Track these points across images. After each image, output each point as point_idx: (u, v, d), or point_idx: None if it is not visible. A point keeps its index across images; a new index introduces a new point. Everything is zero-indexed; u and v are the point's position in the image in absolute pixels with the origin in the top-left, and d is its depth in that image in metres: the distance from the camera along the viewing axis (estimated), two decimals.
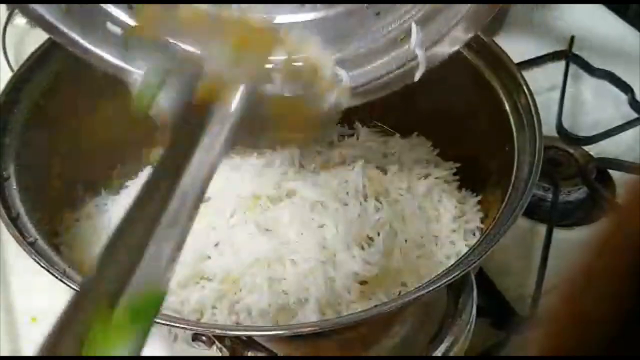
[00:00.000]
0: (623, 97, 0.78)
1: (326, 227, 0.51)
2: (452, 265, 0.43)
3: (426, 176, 0.57)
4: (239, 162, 0.56)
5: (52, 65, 0.53)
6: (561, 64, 0.80)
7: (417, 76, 0.46)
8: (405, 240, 0.51)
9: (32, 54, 0.53)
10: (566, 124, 0.72)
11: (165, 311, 0.47)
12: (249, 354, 0.40)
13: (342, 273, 0.49)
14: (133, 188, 0.57)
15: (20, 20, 0.84)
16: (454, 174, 0.58)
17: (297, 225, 0.51)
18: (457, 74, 0.57)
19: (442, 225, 0.53)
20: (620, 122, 0.73)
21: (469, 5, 0.44)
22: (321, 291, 0.47)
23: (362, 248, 0.51)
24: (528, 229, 0.64)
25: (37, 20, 0.44)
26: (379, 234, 0.51)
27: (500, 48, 0.54)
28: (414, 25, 0.45)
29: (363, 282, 0.49)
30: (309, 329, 0.40)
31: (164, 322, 0.39)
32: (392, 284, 0.50)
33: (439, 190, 0.55)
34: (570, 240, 0.62)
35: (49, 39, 0.54)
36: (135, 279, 0.31)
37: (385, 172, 0.57)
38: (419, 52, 0.45)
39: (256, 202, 0.53)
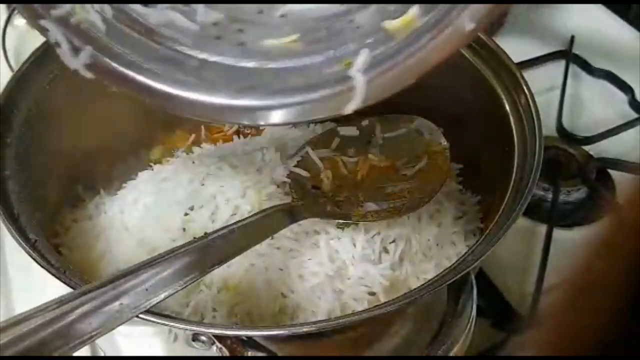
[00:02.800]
0: (623, 97, 0.78)
1: (341, 240, 0.51)
2: (452, 266, 0.43)
3: None
4: (235, 163, 0.56)
5: (52, 65, 0.53)
6: (561, 64, 0.80)
7: (350, 108, 0.38)
8: (416, 252, 0.51)
9: (32, 54, 0.53)
10: (566, 124, 0.73)
11: (165, 312, 0.47)
12: (249, 354, 0.40)
13: (351, 286, 0.49)
14: (130, 189, 0.57)
15: (20, 21, 0.84)
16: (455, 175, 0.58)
17: (303, 236, 0.51)
18: (457, 74, 0.57)
19: (444, 226, 0.53)
20: (620, 122, 0.73)
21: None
22: (330, 304, 0.47)
23: (376, 262, 0.50)
24: (528, 229, 0.64)
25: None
26: (395, 247, 0.51)
27: (500, 48, 0.54)
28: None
29: (371, 293, 0.49)
30: (309, 328, 0.40)
31: (164, 322, 0.39)
32: (400, 292, 0.50)
33: (441, 192, 0.55)
34: (570, 240, 0.62)
35: None
36: None
37: None
38: (359, 77, 0.37)
39: (254, 207, 0.52)
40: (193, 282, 0.40)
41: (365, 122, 0.58)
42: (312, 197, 0.53)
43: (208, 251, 0.42)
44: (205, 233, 0.43)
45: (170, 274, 0.39)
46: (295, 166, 0.55)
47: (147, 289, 0.38)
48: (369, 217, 0.51)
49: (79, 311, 0.36)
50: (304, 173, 0.54)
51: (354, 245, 0.50)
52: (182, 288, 0.40)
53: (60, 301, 0.36)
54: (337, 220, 0.52)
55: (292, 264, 0.49)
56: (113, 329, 0.37)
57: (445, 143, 0.55)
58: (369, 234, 0.51)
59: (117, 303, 0.37)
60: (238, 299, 0.48)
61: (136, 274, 0.38)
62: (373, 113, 0.60)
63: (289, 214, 0.48)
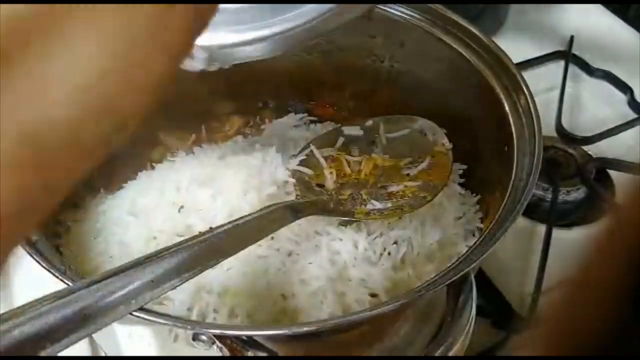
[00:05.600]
0: (622, 97, 0.78)
1: (343, 241, 0.51)
2: (451, 265, 0.43)
3: None
4: (236, 163, 0.56)
5: None
6: (561, 64, 0.80)
7: None
8: (417, 254, 0.51)
9: None
10: (565, 124, 0.73)
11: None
12: (249, 354, 0.40)
13: (353, 288, 0.49)
14: (129, 189, 0.57)
15: None
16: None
17: (303, 238, 0.51)
18: (457, 74, 0.57)
19: (445, 228, 0.53)
20: (619, 122, 0.73)
21: None
22: (332, 307, 0.47)
23: (378, 264, 0.50)
24: (527, 229, 0.64)
25: None
26: (397, 249, 0.51)
27: (500, 48, 0.54)
28: None
29: (373, 295, 0.49)
30: (310, 328, 0.40)
31: (164, 322, 0.39)
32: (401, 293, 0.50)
33: (441, 193, 0.55)
34: (570, 240, 0.62)
35: None
36: None
37: None
38: None
39: (255, 208, 0.52)
40: (198, 274, 0.41)
41: (369, 123, 0.59)
42: (316, 195, 0.53)
43: (213, 245, 0.42)
44: (211, 228, 0.44)
45: (176, 266, 0.40)
46: (299, 164, 0.55)
47: (152, 281, 0.38)
48: (371, 216, 0.52)
49: (84, 301, 0.36)
50: (308, 171, 0.55)
51: (356, 247, 0.50)
52: (187, 280, 0.40)
53: (69, 291, 0.36)
54: (339, 220, 0.52)
55: (293, 268, 0.49)
56: (117, 319, 0.37)
57: (449, 144, 0.56)
58: (371, 235, 0.51)
59: (122, 294, 0.37)
60: (238, 301, 0.48)
61: (142, 266, 0.39)
62: (377, 113, 0.60)
63: (292, 211, 0.49)
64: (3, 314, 0.34)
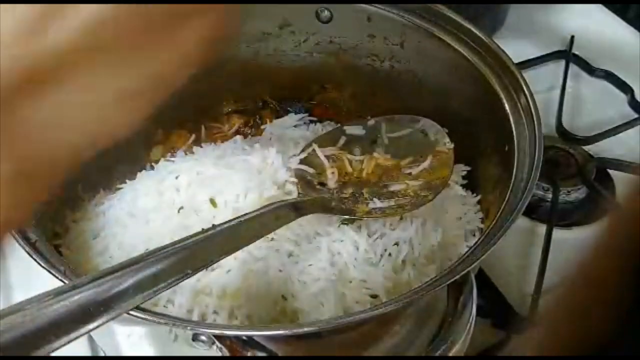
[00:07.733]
0: (623, 97, 0.78)
1: (343, 242, 0.51)
2: (452, 265, 0.43)
3: None
4: (235, 164, 0.56)
5: None
6: (561, 64, 0.80)
7: None
8: (418, 255, 0.51)
9: None
10: (566, 124, 0.73)
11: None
12: (249, 354, 0.40)
13: (354, 289, 0.49)
14: (128, 189, 0.57)
15: None
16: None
17: (303, 239, 0.51)
18: (457, 74, 0.57)
19: (446, 229, 0.53)
20: (620, 122, 0.73)
21: None
22: (333, 309, 0.47)
23: (378, 264, 0.50)
24: (528, 229, 0.64)
25: None
26: (398, 250, 0.51)
27: (500, 48, 0.54)
28: None
29: (374, 296, 0.49)
30: (310, 328, 0.40)
31: (164, 322, 0.39)
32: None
33: (443, 194, 0.55)
34: (570, 240, 0.62)
35: None
36: None
37: None
38: None
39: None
40: (200, 271, 0.41)
41: (371, 122, 0.59)
42: (318, 193, 0.54)
43: (215, 242, 0.42)
44: (213, 225, 0.44)
45: (178, 263, 0.40)
46: (301, 163, 0.55)
47: (155, 277, 0.38)
48: (373, 214, 0.52)
49: (86, 297, 0.36)
50: (310, 169, 0.55)
51: (357, 248, 0.50)
52: (190, 277, 0.40)
53: (72, 286, 0.36)
54: (339, 221, 0.52)
55: (294, 270, 0.49)
56: (119, 316, 0.37)
57: (450, 143, 0.56)
58: (372, 237, 0.51)
59: (124, 290, 0.37)
60: (238, 303, 0.48)
61: (144, 263, 0.39)
62: (377, 114, 0.60)
63: (294, 209, 0.49)
64: (4, 310, 0.34)
